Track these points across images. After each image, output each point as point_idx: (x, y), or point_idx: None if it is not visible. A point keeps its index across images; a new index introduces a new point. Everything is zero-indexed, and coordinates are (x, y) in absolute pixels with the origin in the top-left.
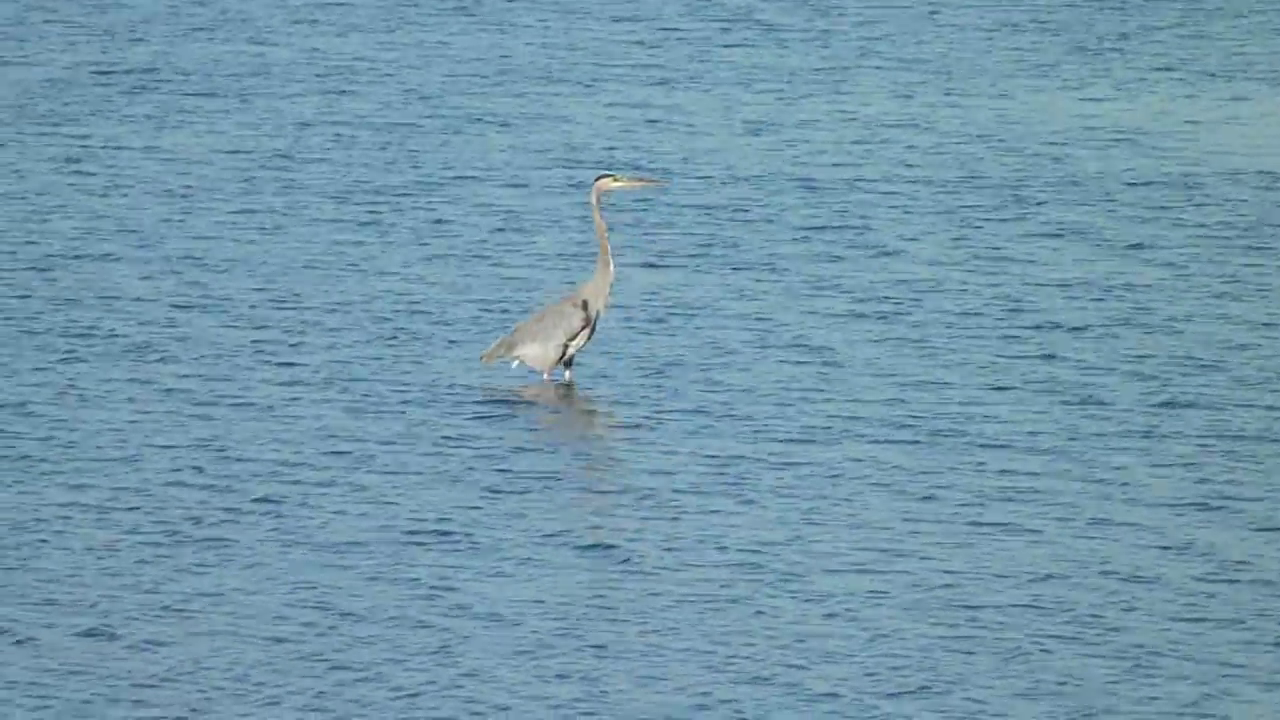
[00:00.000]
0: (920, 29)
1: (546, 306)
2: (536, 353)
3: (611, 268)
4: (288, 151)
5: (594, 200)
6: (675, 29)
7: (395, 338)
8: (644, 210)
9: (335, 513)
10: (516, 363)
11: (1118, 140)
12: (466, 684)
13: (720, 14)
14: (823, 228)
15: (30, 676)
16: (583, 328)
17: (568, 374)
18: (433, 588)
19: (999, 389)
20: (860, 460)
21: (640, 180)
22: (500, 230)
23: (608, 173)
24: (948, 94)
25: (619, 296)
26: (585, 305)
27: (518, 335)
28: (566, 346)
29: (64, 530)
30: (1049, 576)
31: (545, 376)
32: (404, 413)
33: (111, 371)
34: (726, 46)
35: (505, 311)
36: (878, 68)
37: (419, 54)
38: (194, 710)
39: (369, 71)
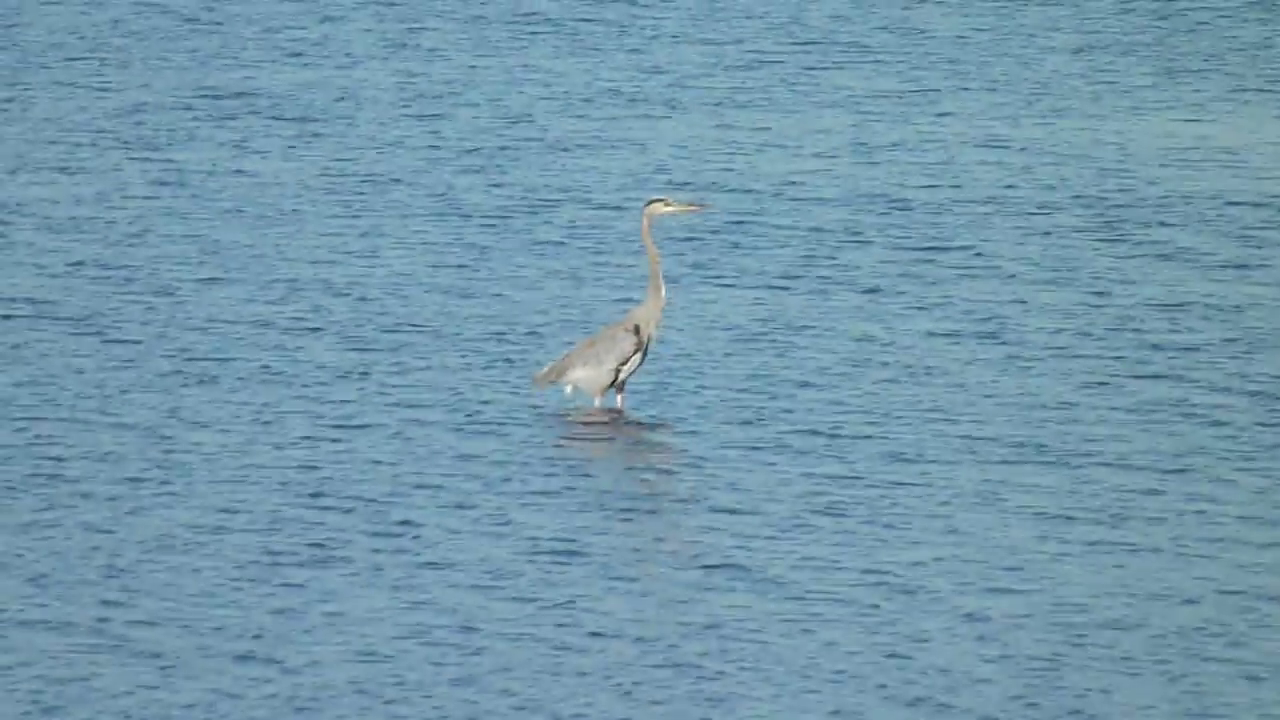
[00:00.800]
0: (1008, 50)
1: (599, 331)
2: (588, 377)
3: (663, 292)
4: (381, 175)
5: (645, 225)
6: (762, 52)
7: (495, 358)
8: (740, 233)
9: (457, 532)
10: (569, 387)
11: (1208, 160)
12: (600, 700)
13: (807, 36)
14: (916, 248)
15: (188, 699)
16: (634, 352)
17: (619, 399)
18: (562, 605)
19: (1107, 408)
20: (977, 480)
21: (690, 205)
22: (596, 252)
23: (658, 198)
24: (1038, 115)
25: (718, 319)
26: (637, 330)
27: (569, 360)
28: (618, 371)
29: (197, 553)
30: (1180, 597)
31: (597, 401)
32: (509, 433)
33: (224, 395)
34: (814, 69)
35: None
36: (966, 89)
37: (507, 77)
38: None
39: (458, 95)
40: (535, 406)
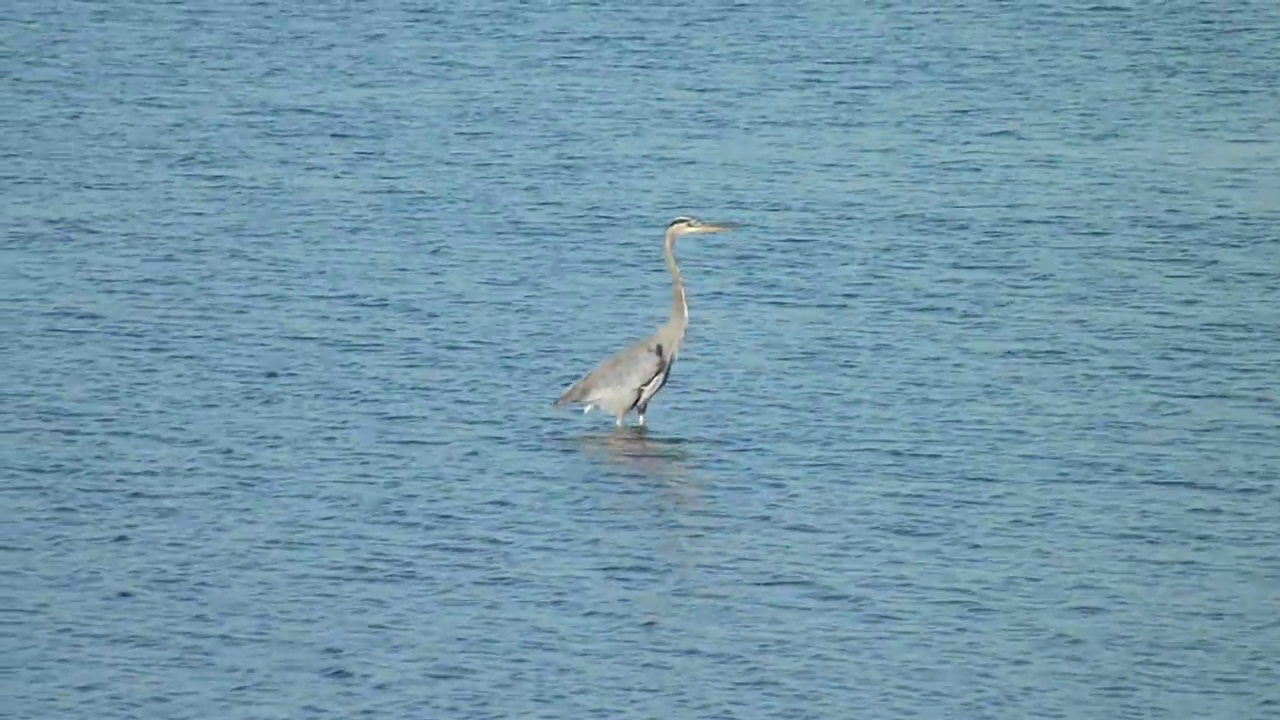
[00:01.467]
0: (1060, 70)
1: (621, 351)
2: (610, 397)
3: (686, 313)
4: (434, 192)
5: (668, 245)
6: (814, 71)
7: (554, 376)
8: (796, 252)
9: (529, 549)
10: (590, 407)
11: (1264, 179)
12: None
13: (858, 55)
14: (974, 268)
15: (268, 714)
16: (657, 372)
17: (641, 419)
18: (639, 624)
19: (1173, 428)
20: (1043, 499)
21: (715, 226)
22: (654, 269)
23: (682, 218)
24: (1092, 135)
25: (777, 337)
26: (659, 350)
27: (591, 380)
28: (640, 391)
29: (274, 569)
30: (1254, 616)
31: (619, 422)
32: (571, 450)
33: (289, 411)
34: (865, 88)
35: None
36: (1017, 109)
37: (558, 96)
38: None
39: (509, 113)
40: (559, 429)
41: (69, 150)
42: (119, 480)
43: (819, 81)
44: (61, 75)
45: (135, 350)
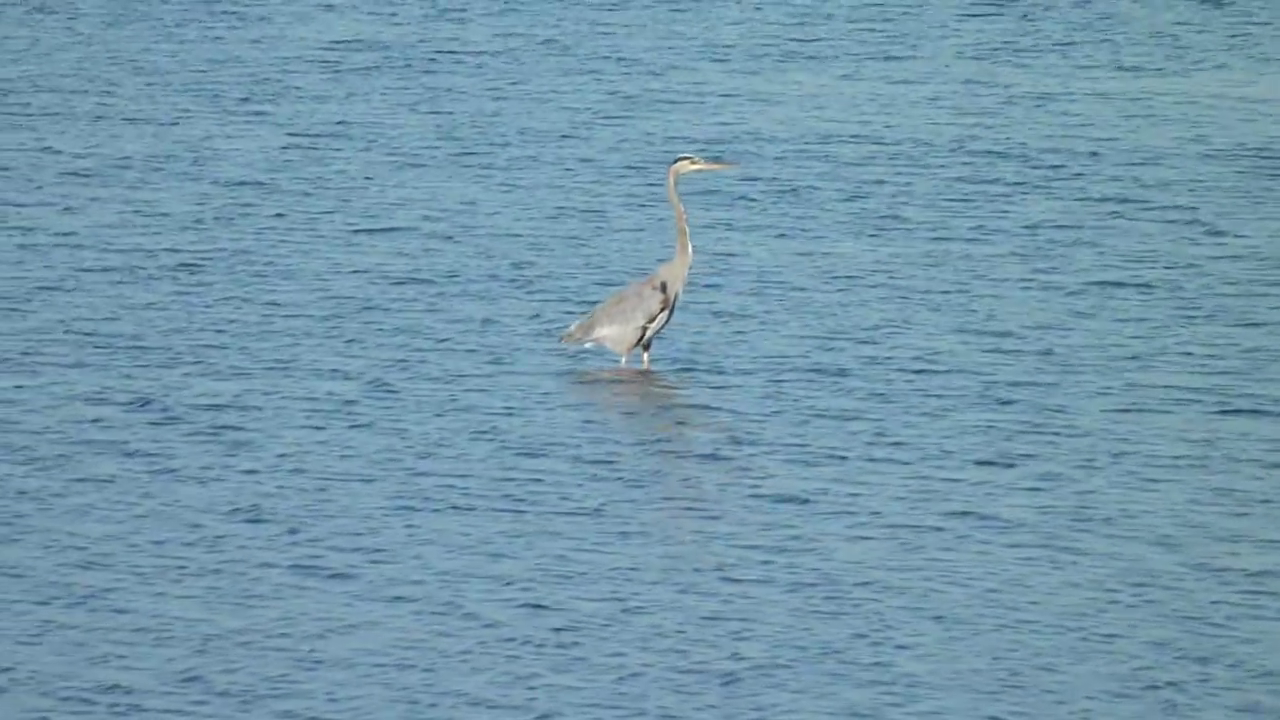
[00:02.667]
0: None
1: (625, 288)
2: (615, 334)
3: (690, 250)
4: (480, 125)
5: (671, 183)
6: (865, 5)
7: (566, 311)
8: (816, 187)
9: (535, 487)
10: (592, 344)
11: None
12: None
13: None
14: (1030, 200)
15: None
16: (661, 309)
17: (645, 357)
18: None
19: (1252, 357)
20: (1096, 430)
21: (717, 164)
22: (726, 206)
23: (685, 155)
24: (1155, 67)
25: (782, 272)
26: (664, 287)
27: (596, 317)
28: (645, 329)
29: (363, 502)
30: None
31: (623, 359)
32: (581, 386)
33: (369, 340)
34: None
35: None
36: (1087, 42)
37: (613, 30)
38: None
39: (559, 53)
40: (564, 365)
41: (123, 88)
42: (195, 414)
43: (907, 16)
44: (115, 12)
45: (200, 286)
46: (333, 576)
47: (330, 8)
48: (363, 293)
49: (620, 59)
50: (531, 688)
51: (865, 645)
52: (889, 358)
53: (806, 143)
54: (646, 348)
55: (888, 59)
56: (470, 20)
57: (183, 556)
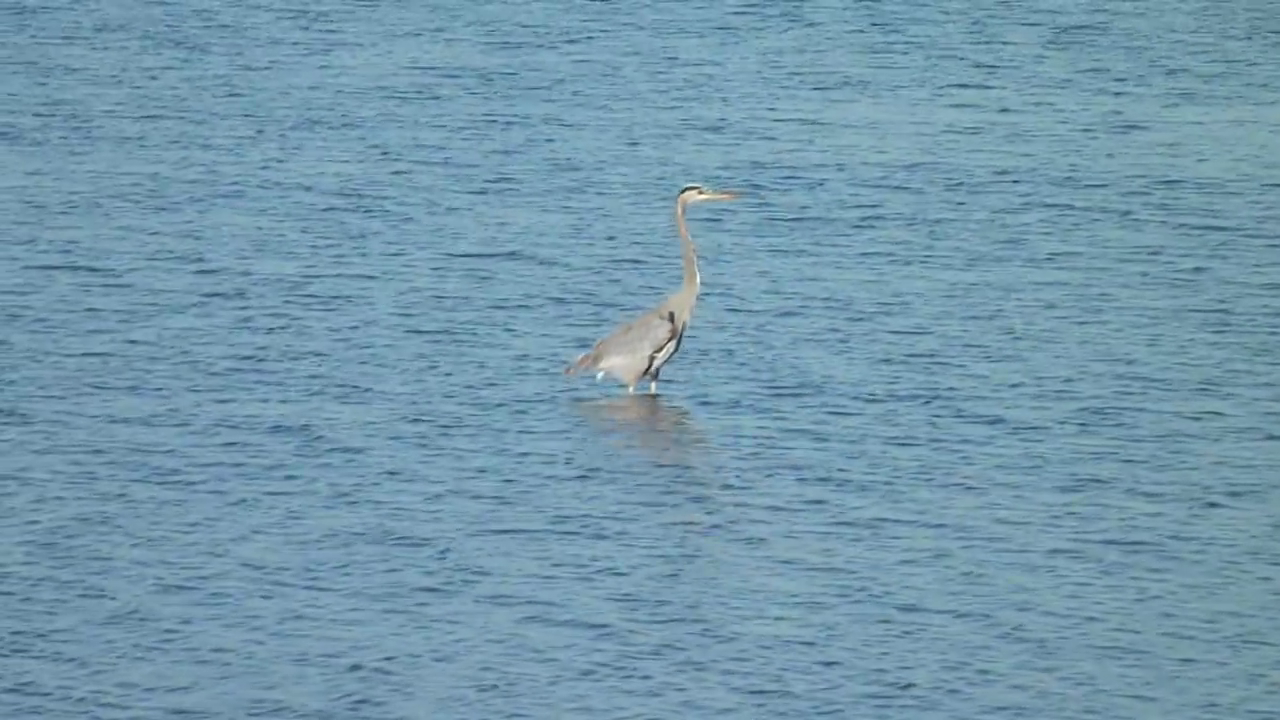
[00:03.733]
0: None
1: (634, 318)
2: (623, 364)
3: (698, 280)
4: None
5: (679, 213)
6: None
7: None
8: (819, 216)
9: (545, 518)
10: (602, 374)
11: None
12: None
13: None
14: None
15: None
16: (669, 339)
17: (653, 386)
18: (662, 600)
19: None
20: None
21: (725, 193)
22: (792, 230)
23: (692, 185)
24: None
25: (791, 302)
26: (672, 317)
27: (604, 347)
28: (653, 358)
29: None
30: None
31: (631, 388)
32: (588, 417)
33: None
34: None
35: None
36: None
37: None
38: None
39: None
40: (572, 396)
41: (191, 113)
42: (291, 434)
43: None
44: (192, 38)
45: (286, 304)
46: (451, 593)
47: (394, 37)
48: (435, 319)
49: (677, 86)
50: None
51: (948, 673)
52: (950, 386)
53: (871, 172)
54: (655, 377)
55: (958, 86)
56: (528, 47)
57: (312, 570)
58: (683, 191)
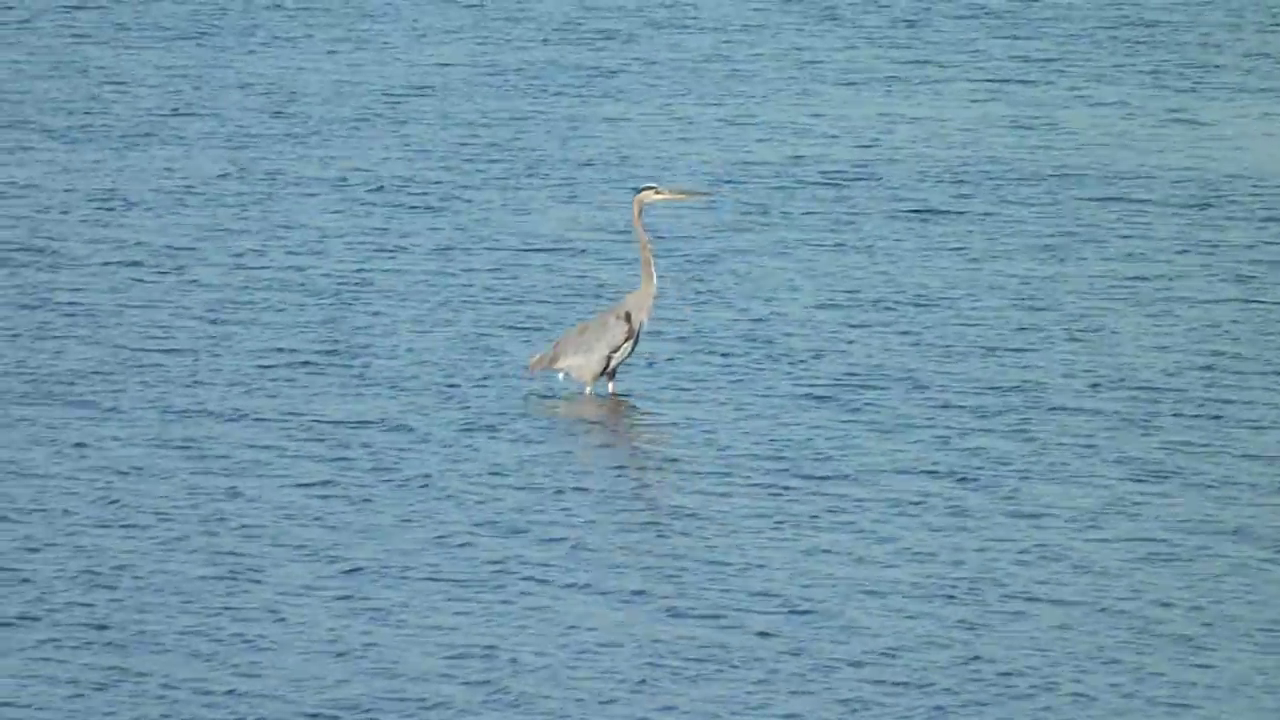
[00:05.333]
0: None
1: (590, 318)
2: (580, 364)
3: (655, 280)
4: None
5: (636, 212)
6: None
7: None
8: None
9: (496, 518)
10: (562, 374)
11: None
12: None
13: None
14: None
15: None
16: (626, 339)
17: (610, 386)
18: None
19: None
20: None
21: (684, 193)
22: (824, 229)
23: (650, 185)
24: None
25: (748, 304)
26: (629, 317)
27: (561, 346)
28: (610, 358)
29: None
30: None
31: (588, 388)
32: (543, 416)
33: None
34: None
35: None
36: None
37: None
38: None
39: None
40: (529, 394)
41: (252, 106)
42: (379, 428)
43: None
44: (244, 38)
45: (336, 300)
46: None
47: (451, 32)
48: (484, 313)
49: (718, 82)
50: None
51: (1040, 660)
52: (1019, 378)
53: (923, 166)
54: (611, 377)
55: (1008, 81)
56: (570, 43)
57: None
58: (639, 191)
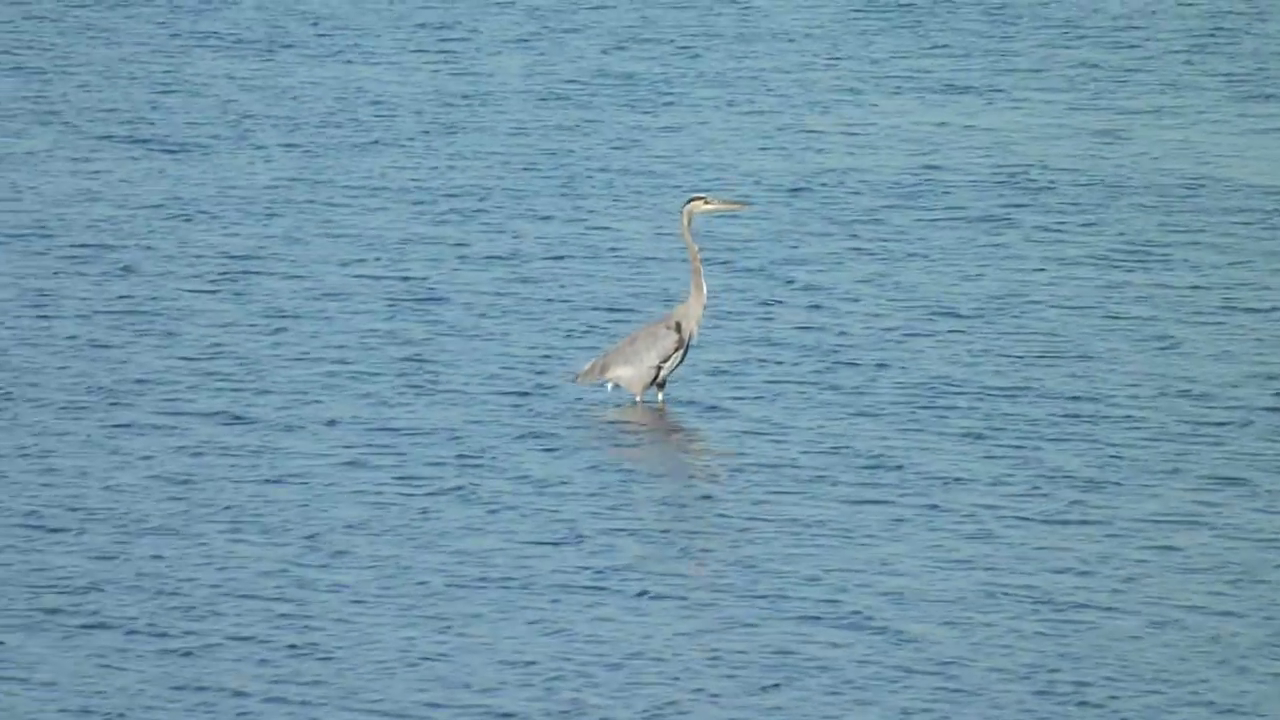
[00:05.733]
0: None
1: (640, 328)
2: (629, 375)
3: (704, 290)
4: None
5: (685, 223)
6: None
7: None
8: (830, 227)
9: (551, 528)
10: (611, 385)
11: None
12: None
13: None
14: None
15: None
16: (675, 349)
17: (660, 396)
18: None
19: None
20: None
21: (731, 203)
22: (895, 238)
23: (698, 195)
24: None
25: (798, 314)
26: (678, 327)
27: (611, 357)
28: (659, 369)
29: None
30: None
31: (637, 398)
32: (594, 427)
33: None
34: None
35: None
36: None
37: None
38: None
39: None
40: (580, 405)
41: (313, 115)
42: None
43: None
44: (312, 47)
45: (425, 306)
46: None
47: (511, 41)
48: (538, 321)
49: (784, 92)
50: None
51: (1107, 673)
52: (1086, 387)
53: (999, 176)
54: (661, 387)
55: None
56: (627, 51)
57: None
58: (689, 202)
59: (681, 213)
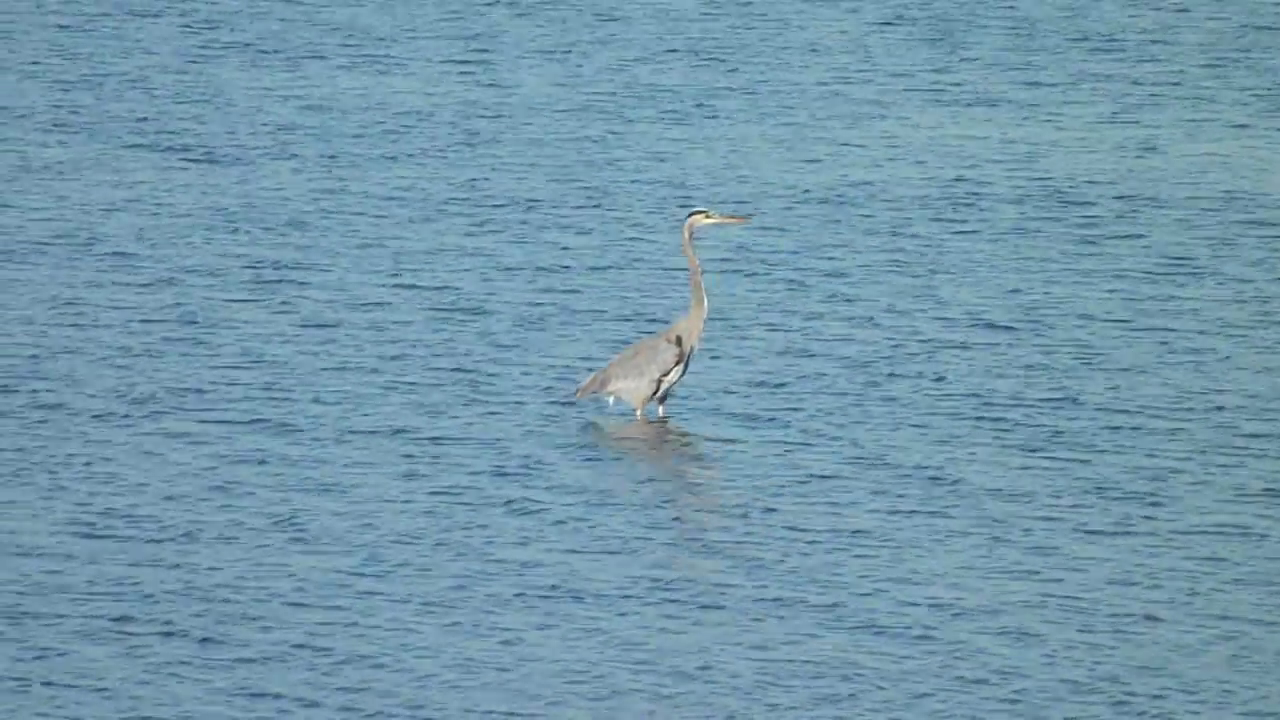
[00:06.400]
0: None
1: (640, 342)
2: (630, 388)
3: (705, 304)
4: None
5: (686, 237)
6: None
7: (584, 364)
8: (826, 240)
9: (554, 540)
10: (611, 398)
11: None
12: None
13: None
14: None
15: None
16: (676, 363)
17: (660, 410)
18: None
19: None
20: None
21: (732, 217)
22: (924, 248)
23: (699, 209)
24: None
25: (801, 327)
26: (679, 341)
27: (611, 371)
28: (660, 382)
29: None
30: None
31: (638, 412)
32: (595, 441)
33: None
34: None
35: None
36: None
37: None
38: None
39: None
40: (579, 418)
41: (353, 125)
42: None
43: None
44: (337, 58)
45: (430, 315)
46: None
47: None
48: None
49: (814, 102)
50: None
51: (1161, 684)
52: (1124, 400)
53: (1035, 189)
54: (662, 401)
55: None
56: (662, 64)
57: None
58: (690, 215)
59: (682, 226)
